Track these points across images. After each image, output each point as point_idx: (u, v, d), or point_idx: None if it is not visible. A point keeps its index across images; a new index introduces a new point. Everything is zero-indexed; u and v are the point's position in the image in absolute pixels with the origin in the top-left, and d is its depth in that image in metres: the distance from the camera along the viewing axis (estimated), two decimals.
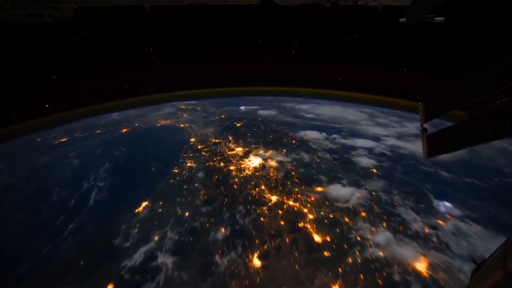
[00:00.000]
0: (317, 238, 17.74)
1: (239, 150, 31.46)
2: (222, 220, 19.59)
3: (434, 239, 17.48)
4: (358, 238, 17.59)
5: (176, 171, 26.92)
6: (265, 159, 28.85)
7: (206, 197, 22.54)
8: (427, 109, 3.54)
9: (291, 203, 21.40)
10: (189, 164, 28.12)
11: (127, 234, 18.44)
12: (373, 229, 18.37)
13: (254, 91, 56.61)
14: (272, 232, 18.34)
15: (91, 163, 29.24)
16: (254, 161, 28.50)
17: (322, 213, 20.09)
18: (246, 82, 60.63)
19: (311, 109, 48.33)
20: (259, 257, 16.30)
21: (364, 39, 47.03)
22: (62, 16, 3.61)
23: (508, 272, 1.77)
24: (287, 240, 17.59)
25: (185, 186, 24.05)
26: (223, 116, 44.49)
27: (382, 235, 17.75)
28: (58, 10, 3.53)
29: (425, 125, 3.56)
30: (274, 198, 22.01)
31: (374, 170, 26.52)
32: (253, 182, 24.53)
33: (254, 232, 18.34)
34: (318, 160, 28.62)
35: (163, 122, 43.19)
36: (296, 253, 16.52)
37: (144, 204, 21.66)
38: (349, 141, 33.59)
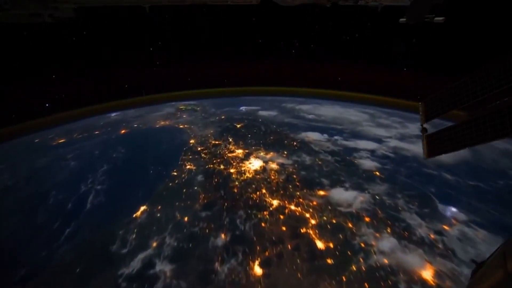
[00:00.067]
0: (319, 244, 17.27)
1: (239, 152, 30.96)
2: (222, 226, 19.12)
3: (440, 246, 17.02)
4: (362, 245, 17.12)
5: (175, 173, 26.44)
6: (266, 162, 28.35)
7: (205, 201, 22.06)
8: (427, 109, 3.55)
9: (292, 207, 20.93)
10: (188, 167, 27.63)
11: (124, 240, 17.98)
12: (377, 235, 17.91)
13: (254, 91, 56.06)
14: (273, 238, 17.88)
15: (89, 165, 28.75)
16: (254, 164, 28.00)
17: (325, 218, 19.62)
18: (246, 82, 59.92)
19: (312, 109, 47.73)
20: (260, 265, 15.83)
21: (364, 39, 46.53)
22: (62, 16, 3.65)
23: (508, 272, 1.78)
24: (289, 246, 17.12)
25: (184, 190, 23.57)
26: (223, 117, 43.93)
27: (387, 241, 17.29)
28: (58, 10, 3.56)
29: (425, 125, 3.57)
30: (275, 203, 21.54)
31: (377, 173, 26.04)
32: (253, 186, 24.04)
33: (255, 238, 17.88)
34: (320, 163, 28.12)
35: (162, 122, 42.63)
36: (298, 260, 16.05)
37: (142, 208, 21.20)
38: (351, 143, 33.04)
